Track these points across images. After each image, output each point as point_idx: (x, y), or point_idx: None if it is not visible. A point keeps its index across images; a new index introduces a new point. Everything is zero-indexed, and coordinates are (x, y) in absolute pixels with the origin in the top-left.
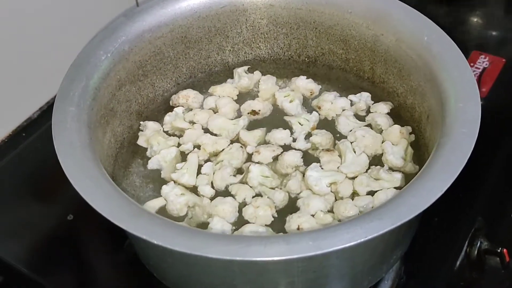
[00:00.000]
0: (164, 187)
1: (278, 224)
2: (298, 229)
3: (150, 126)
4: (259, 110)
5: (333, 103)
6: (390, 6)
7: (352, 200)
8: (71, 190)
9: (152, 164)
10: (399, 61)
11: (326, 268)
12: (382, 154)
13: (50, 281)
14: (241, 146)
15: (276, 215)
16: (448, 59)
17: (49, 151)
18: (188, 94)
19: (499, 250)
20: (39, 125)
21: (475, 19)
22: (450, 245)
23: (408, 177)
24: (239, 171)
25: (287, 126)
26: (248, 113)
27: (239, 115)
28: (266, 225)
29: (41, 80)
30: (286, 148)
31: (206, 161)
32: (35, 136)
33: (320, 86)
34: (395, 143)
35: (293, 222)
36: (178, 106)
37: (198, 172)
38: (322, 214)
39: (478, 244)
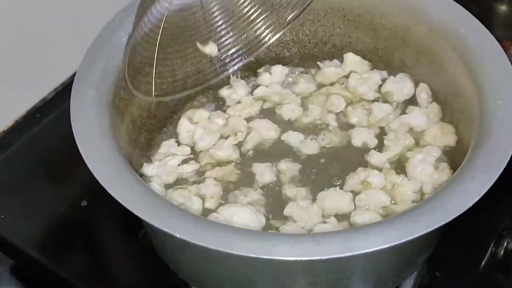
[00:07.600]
0: None
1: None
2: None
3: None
4: None
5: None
6: None
7: None
8: (86, 175)
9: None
10: (431, 52)
11: (352, 269)
12: None
13: (61, 267)
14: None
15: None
16: (486, 52)
17: (64, 133)
18: None
19: None
20: (54, 106)
21: (507, 8)
22: (476, 244)
23: None
24: None
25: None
26: None
27: None
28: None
29: (56, 60)
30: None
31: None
32: (50, 117)
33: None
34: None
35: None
36: None
37: None
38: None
39: (505, 244)
